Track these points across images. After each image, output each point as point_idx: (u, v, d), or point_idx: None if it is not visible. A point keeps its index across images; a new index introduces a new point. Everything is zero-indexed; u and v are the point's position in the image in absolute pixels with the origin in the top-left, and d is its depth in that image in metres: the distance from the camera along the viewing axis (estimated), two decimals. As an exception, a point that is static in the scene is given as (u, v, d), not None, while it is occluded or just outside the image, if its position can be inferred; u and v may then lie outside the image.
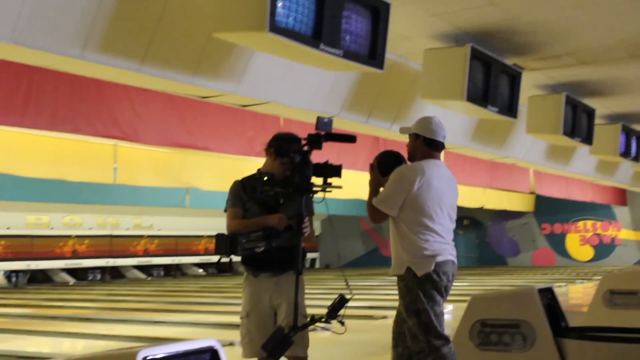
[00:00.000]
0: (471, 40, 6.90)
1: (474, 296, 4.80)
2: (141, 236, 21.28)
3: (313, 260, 26.80)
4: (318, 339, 7.77)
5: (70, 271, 20.20)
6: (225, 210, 4.37)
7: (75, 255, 20.09)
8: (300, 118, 7.69)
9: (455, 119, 8.69)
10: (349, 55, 5.42)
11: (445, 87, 7.02)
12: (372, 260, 27.60)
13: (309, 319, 4.05)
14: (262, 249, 4.07)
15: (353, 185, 13.45)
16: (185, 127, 8.84)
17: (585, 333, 5.17)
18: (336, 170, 4.15)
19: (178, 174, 12.62)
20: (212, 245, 22.93)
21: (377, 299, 12.96)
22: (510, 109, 7.78)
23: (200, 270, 23.32)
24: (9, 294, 16.64)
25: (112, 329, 9.30)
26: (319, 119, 4.03)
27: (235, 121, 8.90)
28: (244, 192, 4.31)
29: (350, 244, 27.92)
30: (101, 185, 17.70)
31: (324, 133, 4.06)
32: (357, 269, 23.98)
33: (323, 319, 3.96)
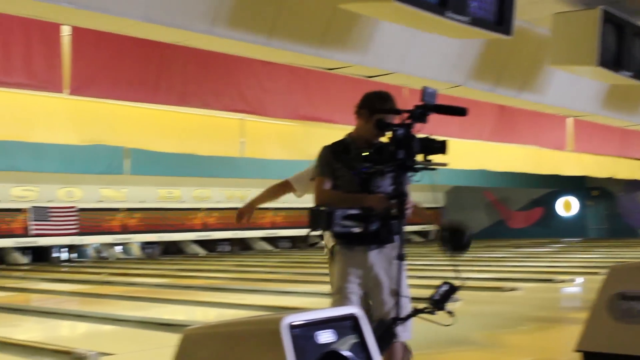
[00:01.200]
0: (602, 3, 6.61)
1: (612, 267, 4.62)
2: (268, 209, 21.71)
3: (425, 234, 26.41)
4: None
5: (201, 243, 20.89)
6: (312, 179, 4.08)
7: (205, 227, 20.77)
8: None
9: (585, 85, 8.38)
10: (476, 22, 5.32)
11: (575, 53, 6.78)
12: (498, 232, 27.12)
13: (412, 310, 3.71)
14: (359, 230, 3.74)
15: (478, 155, 13.26)
16: (309, 100, 8.90)
17: None
18: (441, 147, 3.68)
19: (303, 147, 12.76)
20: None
21: (506, 271, 12.75)
22: (645, 73, 7.43)
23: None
24: (145, 264, 17.39)
25: (242, 298, 9.56)
26: (425, 89, 3.66)
27: (360, 93, 8.88)
28: (335, 159, 3.97)
29: (475, 215, 27.49)
30: (229, 159, 18.20)
31: (431, 105, 3.64)
32: (482, 241, 23.63)
33: (427, 310, 3.60)
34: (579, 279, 11.39)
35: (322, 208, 3.72)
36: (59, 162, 18.18)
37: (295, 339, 2.20)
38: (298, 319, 2.27)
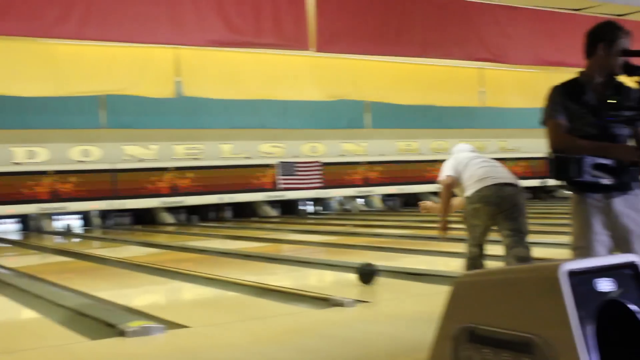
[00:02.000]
0: None
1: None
2: (507, 159, 21.25)
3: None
4: None
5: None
6: (543, 123, 3.73)
7: (443, 178, 20.75)
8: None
9: None
10: None
11: None
12: None
13: None
14: (609, 182, 3.47)
15: None
16: (554, 44, 8.52)
17: None
18: None
19: (544, 94, 12.34)
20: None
21: None
22: None
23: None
24: (386, 216, 17.77)
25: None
26: None
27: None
28: (570, 100, 3.60)
29: None
30: (466, 110, 18.00)
31: None
32: None
33: None
34: None
35: (569, 156, 3.46)
36: (303, 118, 19.02)
37: (574, 287, 2.13)
38: (576, 265, 2.20)
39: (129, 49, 11.22)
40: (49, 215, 16.65)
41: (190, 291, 7.54)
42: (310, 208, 19.73)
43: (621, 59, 3.51)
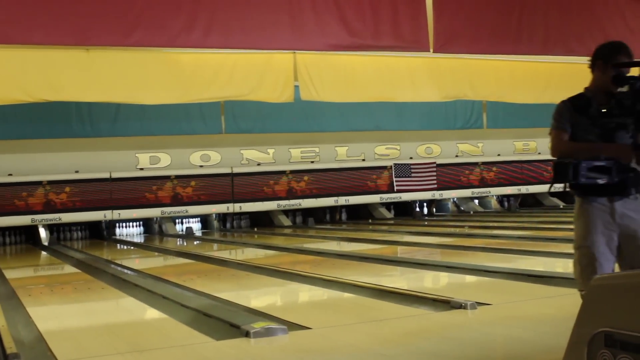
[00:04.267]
0: None
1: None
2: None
3: None
4: None
5: (560, 195, 20.31)
6: (549, 134, 4.08)
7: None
8: None
9: None
10: None
11: None
12: None
13: None
14: (604, 181, 3.77)
15: None
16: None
17: None
18: None
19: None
20: None
21: None
22: None
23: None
24: (503, 217, 17.43)
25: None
26: None
27: None
28: (577, 113, 3.95)
29: None
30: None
31: None
32: None
33: None
34: None
35: (566, 160, 3.79)
36: (419, 120, 18.90)
37: None
38: None
39: (249, 56, 11.48)
40: (171, 219, 17.22)
41: (309, 293, 7.63)
42: (425, 210, 19.59)
43: (614, 72, 3.89)
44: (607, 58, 3.97)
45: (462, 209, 19.83)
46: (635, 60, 3.91)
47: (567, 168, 3.77)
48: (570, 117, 3.99)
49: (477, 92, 12.95)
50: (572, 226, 5.71)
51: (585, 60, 4.16)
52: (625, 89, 3.82)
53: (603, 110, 3.89)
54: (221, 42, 7.33)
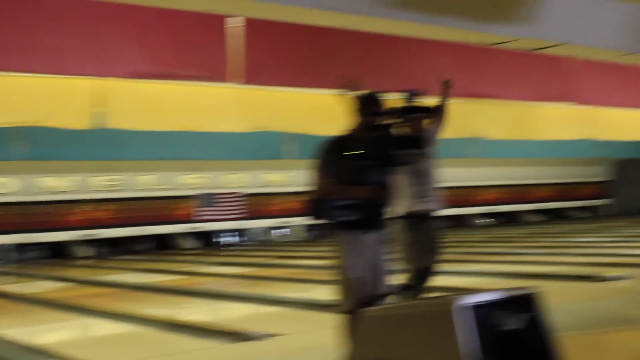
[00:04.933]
0: None
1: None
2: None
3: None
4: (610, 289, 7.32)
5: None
6: (317, 170, 4.35)
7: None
8: (599, 57, 7.22)
9: None
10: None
11: None
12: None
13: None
14: (353, 218, 4.19)
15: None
16: (472, 77, 8.71)
17: None
18: (415, 142, 4.90)
19: (467, 124, 12.49)
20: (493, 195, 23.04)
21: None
22: None
23: (486, 221, 23.06)
24: (307, 246, 17.62)
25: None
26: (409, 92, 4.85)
27: (524, 67, 8.60)
28: (337, 153, 4.28)
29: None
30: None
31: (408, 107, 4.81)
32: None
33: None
34: None
35: (320, 199, 4.20)
36: (225, 149, 18.77)
37: (468, 320, 2.14)
38: (470, 300, 2.23)
39: (48, 80, 10.93)
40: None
41: (98, 327, 7.28)
42: (230, 239, 19.43)
43: (369, 120, 4.31)
44: (365, 107, 4.31)
45: (268, 238, 19.88)
46: (386, 109, 4.37)
47: (319, 206, 4.20)
48: (333, 156, 4.28)
49: (281, 123, 13.11)
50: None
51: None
52: (379, 134, 4.34)
53: (359, 152, 4.25)
54: (21, 65, 6.99)
